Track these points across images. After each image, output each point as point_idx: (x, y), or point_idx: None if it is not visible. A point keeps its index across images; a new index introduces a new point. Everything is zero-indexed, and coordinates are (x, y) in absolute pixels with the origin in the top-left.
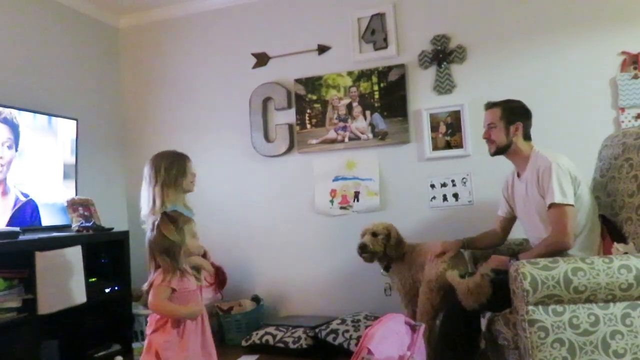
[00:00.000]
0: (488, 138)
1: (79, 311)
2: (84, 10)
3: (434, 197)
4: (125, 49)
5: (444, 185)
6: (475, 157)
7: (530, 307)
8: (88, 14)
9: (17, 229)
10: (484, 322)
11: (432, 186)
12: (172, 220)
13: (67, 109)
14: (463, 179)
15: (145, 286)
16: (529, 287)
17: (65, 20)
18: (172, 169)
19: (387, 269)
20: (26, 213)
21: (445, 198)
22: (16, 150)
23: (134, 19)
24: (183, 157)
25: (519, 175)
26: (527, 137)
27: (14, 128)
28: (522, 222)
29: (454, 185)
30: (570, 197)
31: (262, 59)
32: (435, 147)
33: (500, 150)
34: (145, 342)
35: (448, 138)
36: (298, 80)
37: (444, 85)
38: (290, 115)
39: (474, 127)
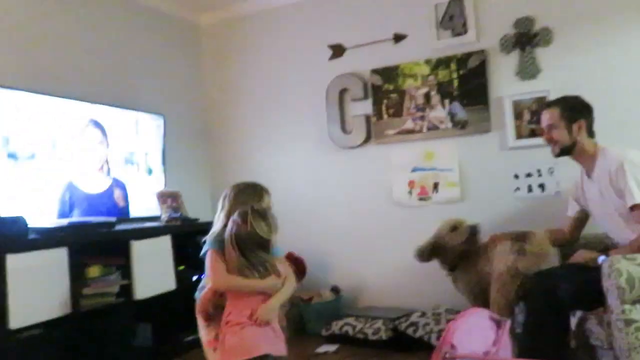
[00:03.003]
0: (550, 139)
1: (170, 297)
2: (166, 10)
3: (517, 188)
4: (206, 46)
5: (529, 175)
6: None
7: (627, 306)
8: (170, 12)
9: (113, 219)
10: (573, 321)
11: (516, 176)
12: (262, 215)
13: (154, 106)
14: (550, 168)
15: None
16: (625, 284)
17: (148, 20)
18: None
19: (453, 268)
20: (119, 191)
21: (530, 189)
22: (107, 147)
23: (214, 16)
24: (262, 191)
25: (588, 175)
26: (590, 134)
27: (103, 128)
28: (601, 223)
29: (539, 175)
30: None
31: (338, 51)
32: (519, 136)
33: (564, 150)
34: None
35: (533, 126)
36: (374, 71)
37: (528, 71)
38: (366, 106)
39: None
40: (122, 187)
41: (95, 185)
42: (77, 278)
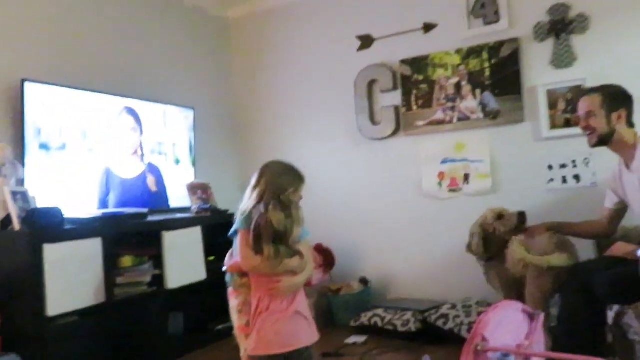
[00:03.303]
0: (587, 127)
1: (200, 287)
2: (196, 4)
3: (551, 179)
4: (235, 39)
5: (563, 166)
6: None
7: None
8: (200, 7)
9: (145, 210)
10: (610, 315)
11: (550, 167)
12: (284, 207)
13: (184, 99)
14: (585, 159)
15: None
16: None
17: (178, 15)
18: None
19: (490, 259)
20: (153, 176)
21: (564, 180)
22: (141, 134)
23: (243, 9)
24: (300, 181)
25: (627, 166)
26: (630, 124)
27: (137, 115)
28: (637, 214)
29: (574, 166)
30: None
31: (366, 41)
32: (553, 126)
33: (602, 140)
34: None
35: (568, 115)
36: (404, 61)
37: (563, 59)
38: (396, 97)
39: None
40: (156, 173)
41: (129, 170)
42: (111, 268)
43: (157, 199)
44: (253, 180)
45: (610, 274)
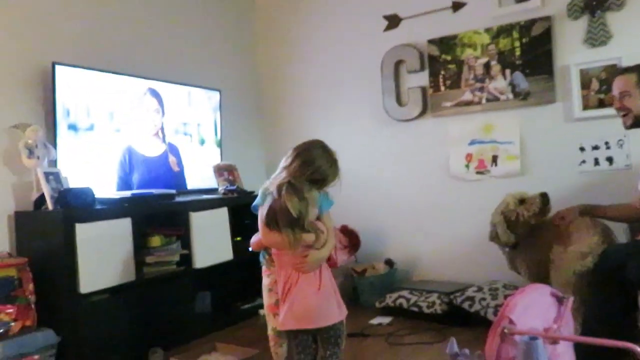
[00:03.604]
0: (621, 107)
1: (227, 267)
2: None
3: (583, 161)
4: (260, 20)
5: (595, 147)
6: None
7: None
8: None
9: (173, 191)
10: None
11: (582, 149)
12: (296, 190)
13: (210, 81)
14: (619, 140)
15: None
16: None
17: None
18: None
19: (515, 245)
20: (173, 156)
21: (597, 162)
22: (163, 115)
23: None
24: (334, 161)
25: None
26: None
27: (159, 97)
28: None
29: (607, 147)
30: None
31: (393, 21)
32: (586, 106)
33: (638, 121)
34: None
35: (602, 96)
36: (431, 41)
37: (597, 37)
38: (423, 78)
39: None
40: (176, 153)
41: (151, 149)
42: (141, 247)
43: (178, 180)
44: (289, 154)
45: None
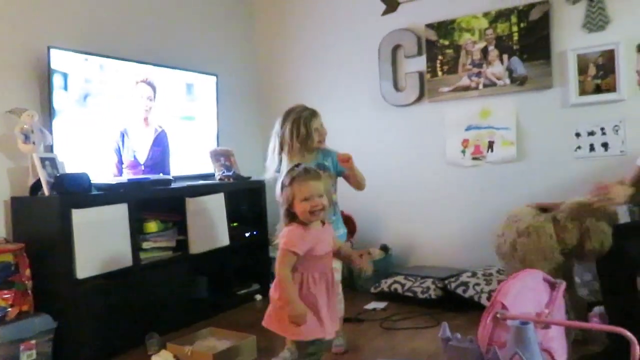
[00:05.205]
0: None
1: (224, 253)
2: None
3: (579, 147)
4: (258, 4)
5: (591, 133)
6: (631, 101)
7: None
8: None
9: (169, 177)
10: None
11: (578, 135)
12: (290, 172)
13: (208, 66)
14: (615, 126)
15: (277, 237)
16: None
17: None
18: (297, 129)
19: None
20: (162, 140)
21: (592, 148)
22: (153, 101)
23: None
24: (308, 114)
25: None
26: None
27: (153, 85)
28: None
29: (603, 133)
30: None
31: (391, 5)
32: (583, 92)
33: None
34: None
35: (598, 81)
36: (429, 25)
37: (595, 22)
38: (420, 63)
39: (631, 67)
40: (164, 138)
41: (143, 135)
42: (137, 233)
43: (163, 165)
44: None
45: None
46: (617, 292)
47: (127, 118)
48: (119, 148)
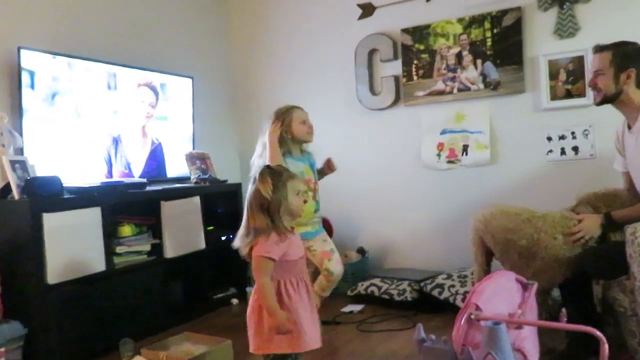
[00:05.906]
0: (594, 86)
1: (199, 257)
2: None
3: (550, 151)
4: (234, 5)
5: (562, 137)
6: (600, 106)
7: None
8: None
9: (144, 180)
10: (597, 289)
11: (549, 139)
12: (274, 175)
13: (183, 68)
14: (585, 130)
15: (240, 243)
16: None
17: None
18: (278, 122)
19: None
20: (158, 154)
21: (563, 151)
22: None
23: None
24: (289, 109)
25: (629, 127)
26: (639, 84)
27: (156, 90)
28: (634, 177)
29: (574, 137)
30: None
31: (367, 10)
32: (554, 97)
33: (606, 99)
34: (251, 302)
35: (569, 86)
36: (405, 30)
37: (565, 29)
38: (396, 67)
39: None
40: (161, 152)
41: (136, 143)
42: (111, 237)
43: (162, 174)
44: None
45: (595, 249)
46: (576, 300)
47: (121, 125)
48: (109, 157)
